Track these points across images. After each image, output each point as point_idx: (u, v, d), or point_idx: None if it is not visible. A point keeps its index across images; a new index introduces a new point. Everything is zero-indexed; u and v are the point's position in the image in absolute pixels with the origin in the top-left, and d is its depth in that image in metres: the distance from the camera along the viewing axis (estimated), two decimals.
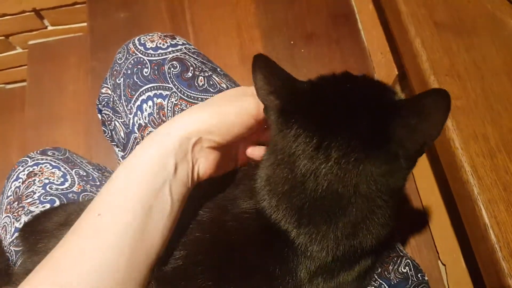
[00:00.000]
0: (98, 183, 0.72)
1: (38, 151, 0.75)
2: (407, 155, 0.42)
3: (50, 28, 1.42)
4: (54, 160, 0.72)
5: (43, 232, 0.57)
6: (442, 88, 0.40)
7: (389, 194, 0.43)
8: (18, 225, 0.64)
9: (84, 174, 0.72)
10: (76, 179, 0.70)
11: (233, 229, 0.47)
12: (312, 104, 0.44)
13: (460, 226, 0.72)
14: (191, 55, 0.69)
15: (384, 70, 1.01)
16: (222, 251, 0.47)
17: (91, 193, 0.69)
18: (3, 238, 0.66)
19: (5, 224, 0.66)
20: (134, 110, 0.66)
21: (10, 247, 0.63)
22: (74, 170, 0.71)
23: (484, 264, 0.54)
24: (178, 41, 0.70)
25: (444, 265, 0.85)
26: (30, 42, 1.43)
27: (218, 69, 0.71)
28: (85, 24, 1.39)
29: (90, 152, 1.22)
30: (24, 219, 0.64)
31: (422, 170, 0.90)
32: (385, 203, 0.44)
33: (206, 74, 0.67)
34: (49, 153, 0.74)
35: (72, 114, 1.32)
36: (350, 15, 1.17)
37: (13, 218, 0.65)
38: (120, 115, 0.69)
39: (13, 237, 0.63)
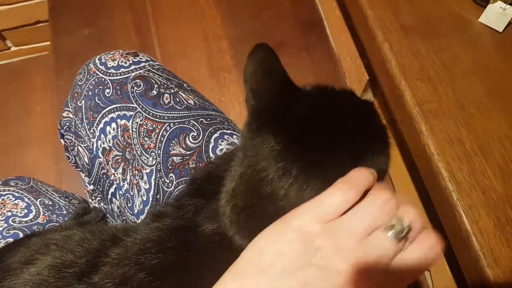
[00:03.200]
0: (64, 212, 0.69)
1: (0, 182, 0.71)
2: None
3: (13, 48, 1.39)
4: (17, 190, 0.68)
5: (6, 271, 0.53)
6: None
7: None
8: None
9: (50, 203, 0.69)
10: (41, 209, 0.66)
11: (201, 264, 0.43)
12: (291, 119, 0.39)
13: (441, 230, 0.71)
14: (156, 72, 0.66)
15: (354, 75, 1.00)
16: None
17: (57, 223, 0.66)
18: None
19: None
20: (97, 133, 0.63)
21: None
22: (38, 200, 0.68)
23: (469, 272, 0.53)
24: (141, 58, 0.68)
25: (429, 271, 0.85)
26: None
27: (185, 85, 0.69)
28: (49, 42, 1.36)
29: (61, 175, 1.19)
30: None
31: (401, 177, 0.90)
32: None
33: (172, 91, 0.64)
34: (12, 183, 0.70)
35: (40, 136, 1.29)
36: (317, 21, 1.16)
37: None
38: (83, 139, 0.66)
39: None
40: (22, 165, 1.27)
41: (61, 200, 0.71)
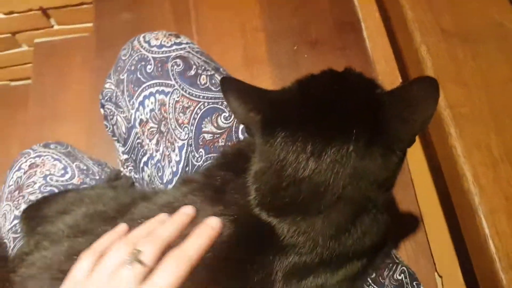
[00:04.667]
0: (97, 177, 0.72)
1: (41, 144, 0.76)
2: (401, 146, 0.42)
3: (56, 27, 1.42)
4: (56, 153, 0.73)
5: (42, 218, 0.58)
6: (432, 78, 0.40)
7: (380, 192, 0.43)
8: (18, 213, 0.65)
9: (85, 168, 0.72)
10: (76, 172, 0.70)
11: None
12: (297, 110, 0.43)
13: (459, 238, 0.71)
14: (195, 54, 0.69)
15: (388, 78, 1.01)
16: None
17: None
18: (2, 225, 0.67)
19: (5, 212, 0.67)
20: (136, 105, 0.66)
21: (9, 234, 0.64)
22: (75, 164, 0.72)
23: (482, 275, 0.54)
24: (182, 40, 0.71)
25: (441, 277, 0.84)
26: (36, 41, 1.43)
27: (221, 69, 0.71)
28: (90, 24, 1.40)
29: (91, 151, 1.22)
30: (24, 207, 0.64)
31: (422, 180, 0.90)
32: (375, 204, 0.44)
33: (209, 73, 0.67)
34: (52, 146, 0.75)
35: (74, 113, 1.32)
36: (355, 23, 1.17)
37: (13, 206, 0.66)
38: (122, 109, 0.70)
39: (12, 224, 0.64)
40: (54, 140, 1.30)
41: (95, 167, 0.75)
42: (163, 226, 0.42)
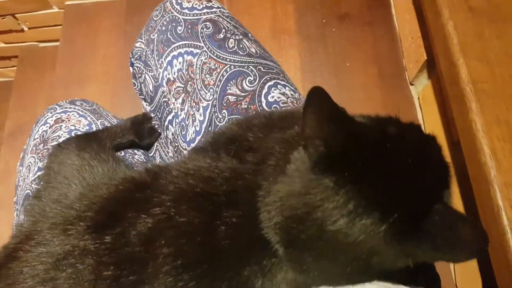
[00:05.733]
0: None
1: (67, 100, 0.77)
2: (414, 261, 0.40)
3: None
4: (82, 109, 0.75)
5: (54, 178, 0.59)
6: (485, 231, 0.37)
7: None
8: (41, 165, 0.67)
9: (109, 125, 0.75)
10: (101, 129, 0.72)
11: (222, 233, 0.44)
12: (358, 162, 0.40)
13: (472, 210, 0.72)
14: (225, 18, 0.71)
15: (413, 55, 1.01)
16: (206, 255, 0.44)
17: None
18: (26, 176, 0.69)
19: (29, 164, 0.70)
20: (165, 64, 0.69)
21: (32, 185, 0.67)
22: (99, 121, 0.74)
23: (493, 245, 0.55)
24: (213, 4, 0.73)
25: None
26: (67, 3, 1.46)
27: (249, 35, 0.73)
28: None
29: (115, 113, 1.25)
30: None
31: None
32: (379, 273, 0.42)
33: (237, 38, 0.69)
34: (78, 103, 0.77)
35: (100, 77, 1.34)
36: None
37: (37, 158, 0.68)
38: (150, 68, 0.72)
39: (36, 176, 0.67)
40: None
41: None
42: None
